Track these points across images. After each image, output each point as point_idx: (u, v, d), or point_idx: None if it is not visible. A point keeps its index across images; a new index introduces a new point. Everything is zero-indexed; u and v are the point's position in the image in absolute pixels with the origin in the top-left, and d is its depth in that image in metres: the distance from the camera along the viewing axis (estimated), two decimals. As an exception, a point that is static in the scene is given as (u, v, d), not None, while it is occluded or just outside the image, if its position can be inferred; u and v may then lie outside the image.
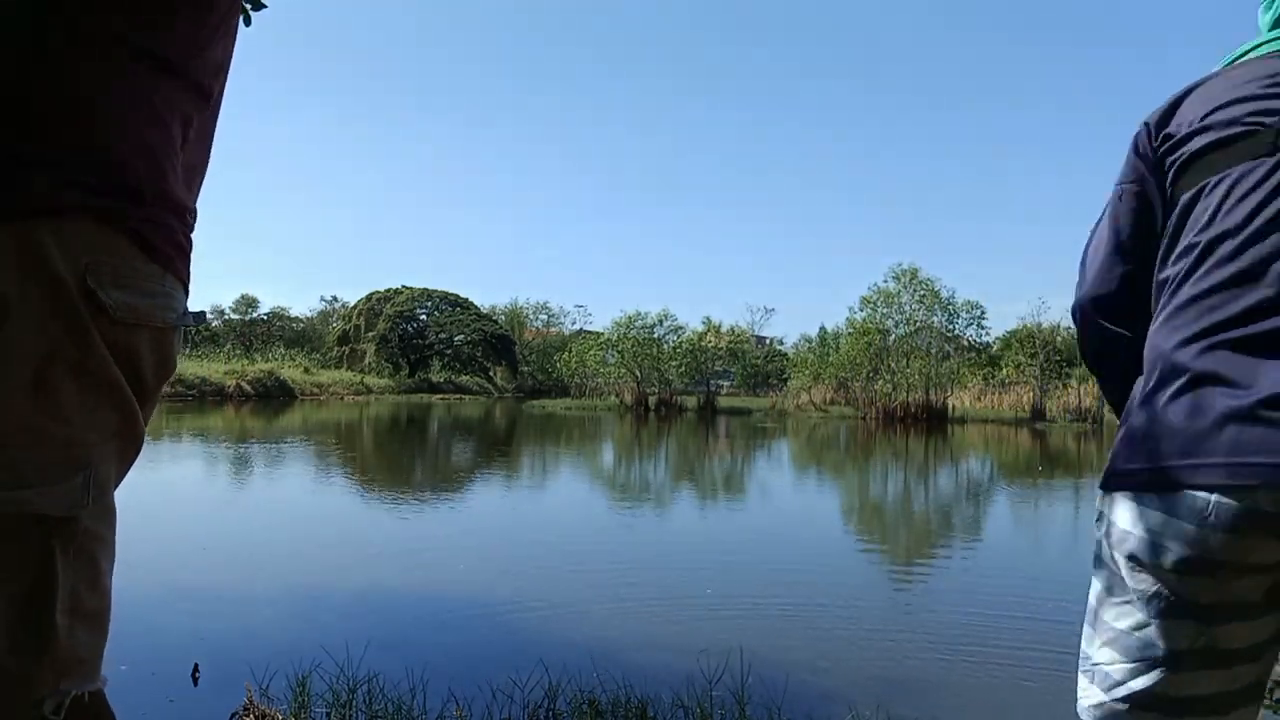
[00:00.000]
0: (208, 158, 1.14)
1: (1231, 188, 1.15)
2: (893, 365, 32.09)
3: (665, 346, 36.76)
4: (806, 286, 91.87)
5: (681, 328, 37.92)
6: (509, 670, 3.45)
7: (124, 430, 0.97)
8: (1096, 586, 1.22)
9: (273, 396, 33.40)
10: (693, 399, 37.62)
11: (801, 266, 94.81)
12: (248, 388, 32.53)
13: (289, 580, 5.56)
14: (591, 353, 39.29)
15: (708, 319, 42.04)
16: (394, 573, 5.86)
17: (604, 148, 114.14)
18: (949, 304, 32.25)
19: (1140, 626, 1.14)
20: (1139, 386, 1.19)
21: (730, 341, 42.60)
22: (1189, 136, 1.23)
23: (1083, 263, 1.39)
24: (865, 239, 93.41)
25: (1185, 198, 1.22)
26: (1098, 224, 1.39)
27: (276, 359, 40.63)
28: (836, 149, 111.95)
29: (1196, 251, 1.16)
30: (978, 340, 34.08)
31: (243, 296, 55.58)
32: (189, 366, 31.82)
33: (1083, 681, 1.23)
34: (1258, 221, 1.11)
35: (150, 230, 0.97)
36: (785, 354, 49.92)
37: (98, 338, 0.91)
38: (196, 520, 7.92)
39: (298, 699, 3.10)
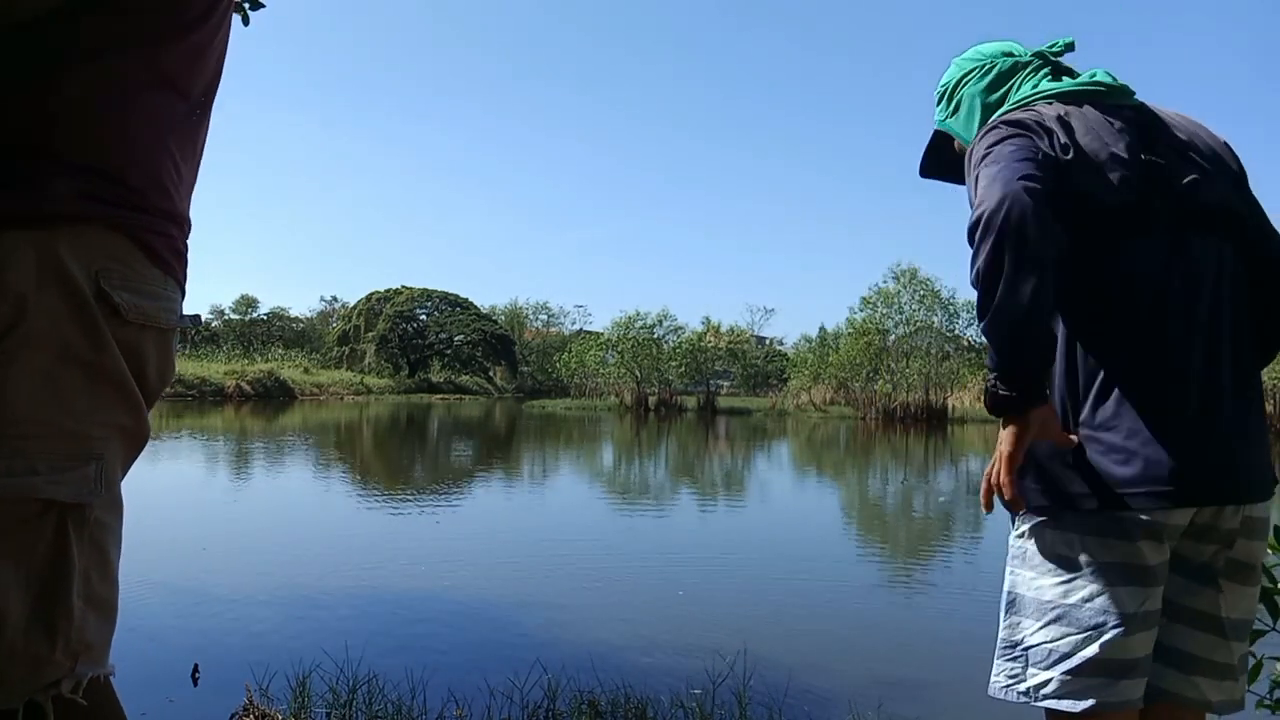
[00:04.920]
0: (199, 165, 1.19)
1: None
2: (892, 365, 32.11)
3: (665, 346, 36.75)
4: (806, 286, 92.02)
5: (681, 328, 37.97)
6: (509, 670, 3.45)
7: (131, 426, 1.02)
8: (1026, 576, 1.34)
9: (272, 397, 33.38)
10: (692, 399, 37.62)
11: (801, 266, 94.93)
12: (247, 388, 32.52)
13: (289, 580, 5.55)
14: (591, 353, 39.28)
15: (707, 319, 42.09)
16: (394, 573, 5.86)
17: (605, 147, 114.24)
18: (949, 304, 32.27)
19: (1093, 596, 1.27)
20: None
21: (730, 341, 42.61)
22: None
23: None
24: (867, 238, 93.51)
25: None
26: None
27: (276, 359, 40.60)
28: (839, 146, 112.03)
29: None
30: (978, 340, 34.08)
31: (243, 296, 55.56)
32: (189, 366, 31.82)
33: (1011, 668, 1.33)
34: None
35: (154, 238, 1.03)
36: (785, 354, 49.89)
37: (110, 337, 0.97)
38: (196, 520, 7.91)
39: (297, 699, 3.10)
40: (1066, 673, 1.27)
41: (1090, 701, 1.26)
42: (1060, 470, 1.30)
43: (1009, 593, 1.37)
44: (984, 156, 1.32)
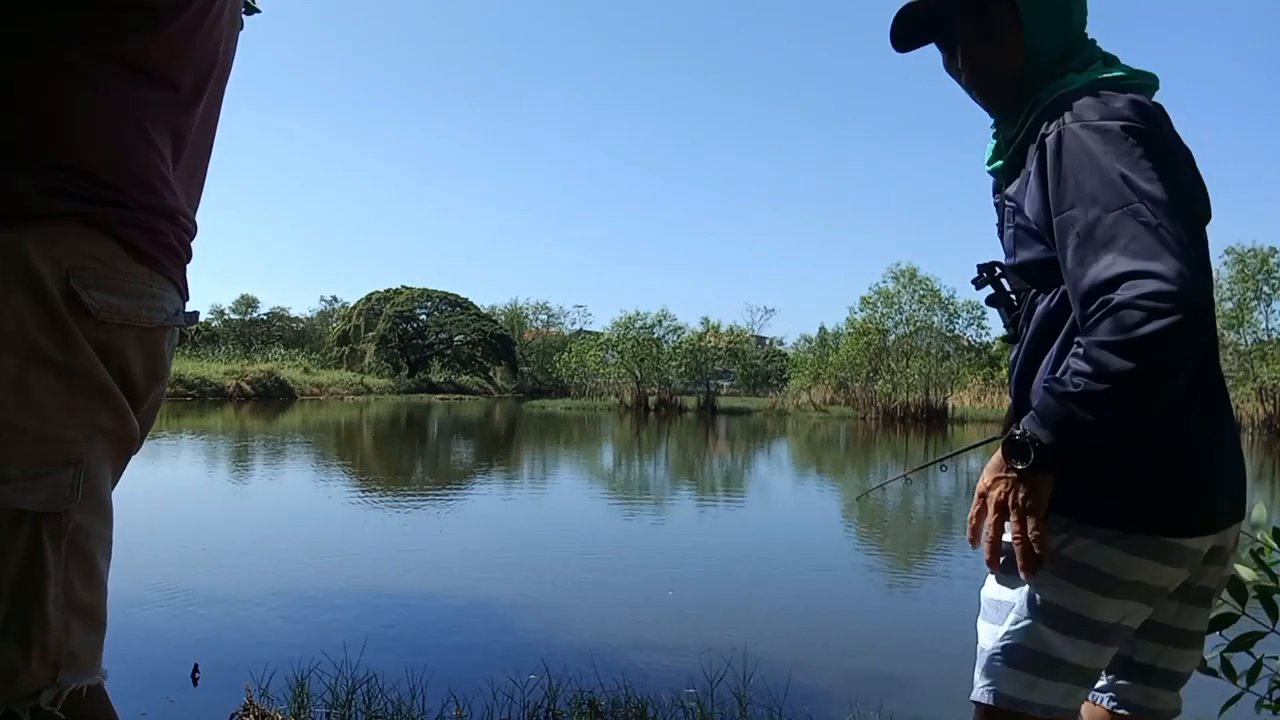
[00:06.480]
0: (207, 155, 1.15)
1: None
2: (892, 365, 32.11)
3: (665, 346, 36.75)
4: (806, 286, 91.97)
5: (681, 328, 37.96)
6: (509, 670, 3.45)
7: (114, 428, 0.98)
8: (1050, 579, 1.27)
9: (272, 397, 33.35)
10: (692, 399, 37.60)
11: (801, 266, 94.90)
12: (247, 388, 32.48)
13: (288, 580, 5.55)
14: (591, 353, 39.28)
15: (707, 319, 42.06)
16: (393, 573, 5.85)
17: (605, 147, 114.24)
18: (949, 303, 32.27)
19: (1106, 609, 1.23)
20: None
21: (730, 341, 42.57)
22: None
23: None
24: (867, 238, 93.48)
25: None
26: None
27: (276, 359, 40.59)
28: (839, 146, 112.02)
29: None
30: (978, 340, 34.09)
31: (242, 296, 55.69)
32: (189, 366, 31.78)
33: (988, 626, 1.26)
34: None
35: (137, 233, 0.99)
36: (785, 354, 49.89)
37: (81, 338, 0.93)
38: (196, 520, 7.91)
39: (297, 699, 3.10)
40: (1040, 676, 1.20)
41: (1052, 705, 1.20)
42: (1104, 485, 1.20)
43: (1023, 597, 1.24)
44: (1137, 183, 1.12)
